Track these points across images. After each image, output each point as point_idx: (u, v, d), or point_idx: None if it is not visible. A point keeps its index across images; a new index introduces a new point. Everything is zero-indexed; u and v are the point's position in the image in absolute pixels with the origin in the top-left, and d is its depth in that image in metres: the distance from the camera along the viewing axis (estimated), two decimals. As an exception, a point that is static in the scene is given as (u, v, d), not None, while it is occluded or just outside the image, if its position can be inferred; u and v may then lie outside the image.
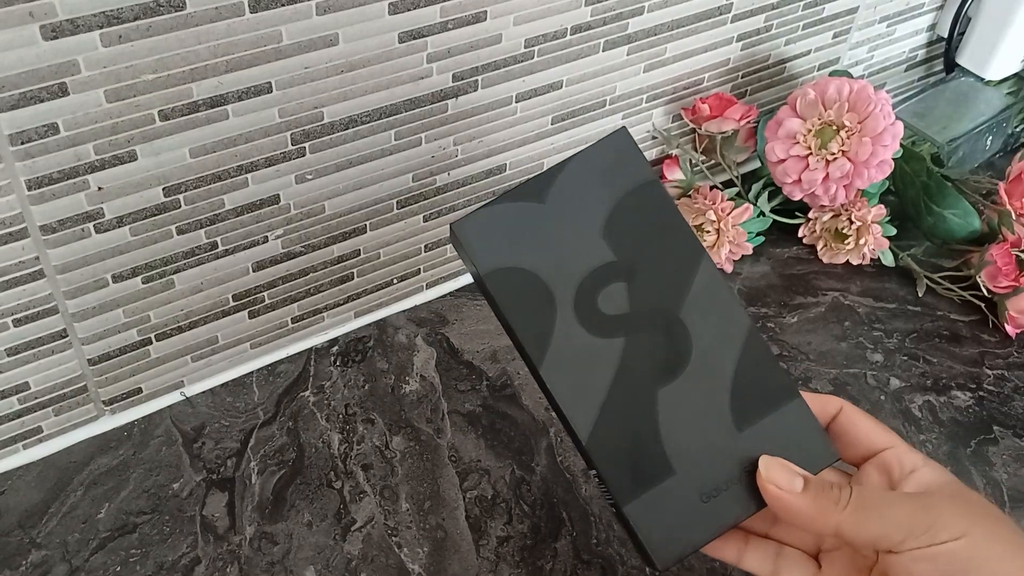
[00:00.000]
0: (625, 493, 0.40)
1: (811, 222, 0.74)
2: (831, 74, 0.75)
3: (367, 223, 0.62)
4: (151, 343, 0.58)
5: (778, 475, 0.38)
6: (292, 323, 0.64)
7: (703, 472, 0.40)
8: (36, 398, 0.56)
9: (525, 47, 0.60)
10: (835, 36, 0.79)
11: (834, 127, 0.67)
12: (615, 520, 0.41)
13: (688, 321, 0.41)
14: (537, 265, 0.40)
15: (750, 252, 0.73)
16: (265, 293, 0.61)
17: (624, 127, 0.42)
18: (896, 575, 0.37)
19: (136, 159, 0.50)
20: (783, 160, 0.69)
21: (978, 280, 0.70)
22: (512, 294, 0.40)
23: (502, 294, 0.40)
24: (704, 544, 0.40)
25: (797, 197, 0.70)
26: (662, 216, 0.41)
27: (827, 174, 0.68)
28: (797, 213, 0.75)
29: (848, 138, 0.67)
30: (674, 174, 0.75)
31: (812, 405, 0.41)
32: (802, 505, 0.37)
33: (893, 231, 0.73)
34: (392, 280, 0.67)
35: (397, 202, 0.63)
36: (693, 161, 0.75)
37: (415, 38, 0.55)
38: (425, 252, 0.67)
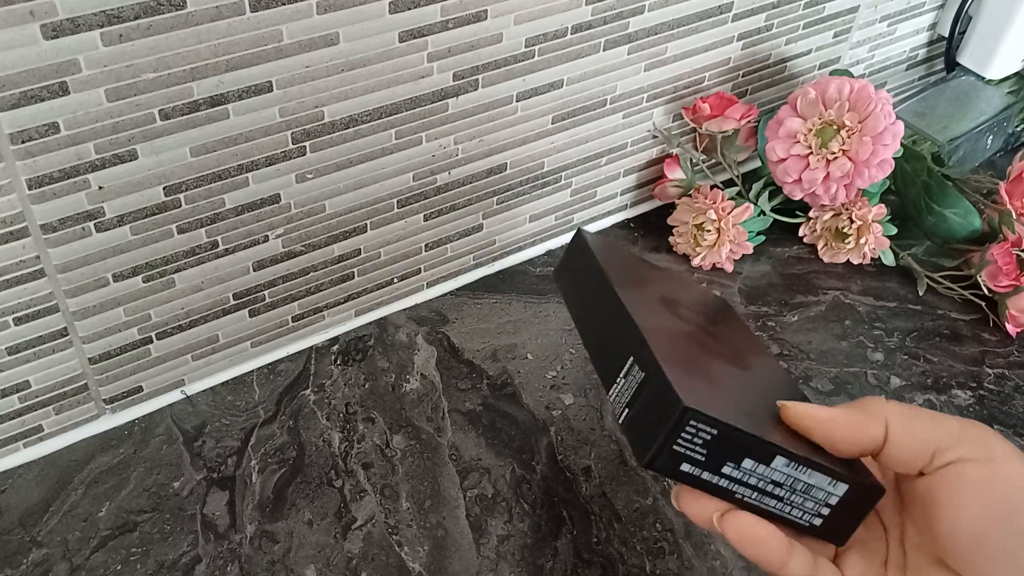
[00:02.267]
0: (665, 356, 0.38)
1: (812, 221, 0.74)
2: (832, 73, 0.75)
3: (367, 222, 0.62)
4: (152, 342, 0.58)
5: (803, 406, 0.38)
6: (293, 322, 0.64)
7: (748, 400, 0.39)
8: (37, 397, 0.56)
9: (526, 46, 0.60)
10: (836, 35, 0.79)
11: (835, 126, 0.67)
12: (624, 423, 0.38)
13: (752, 362, 0.45)
14: (636, 273, 0.50)
15: (750, 251, 0.73)
16: (266, 292, 0.61)
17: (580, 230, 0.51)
18: (934, 501, 0.35)
19: (137, 158, 0.50)
20: (784, 159, 0.69)
21: (979, 279, 0.70)
22: (619, 269, 0.48)
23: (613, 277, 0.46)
24: (736, 425, 0.36)
25: (797, 196, 0.70)
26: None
27: (828, 173, 0.68)
28: (798, 212, 0.75)
29: (849, 137, 0.67)
30: (675, 173, 0.75)
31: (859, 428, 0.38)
32: (844, 414, 0.37)
33: (894, 230, 0.73)
34: (392, 279, 0.67)
35: (397, 201, 0.63)
36: (694, 160, 0.75)
37: (415, 37, 0.55)
38: (425, 251, 0.67)
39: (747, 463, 0.37)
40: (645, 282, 0.48)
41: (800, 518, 0.38)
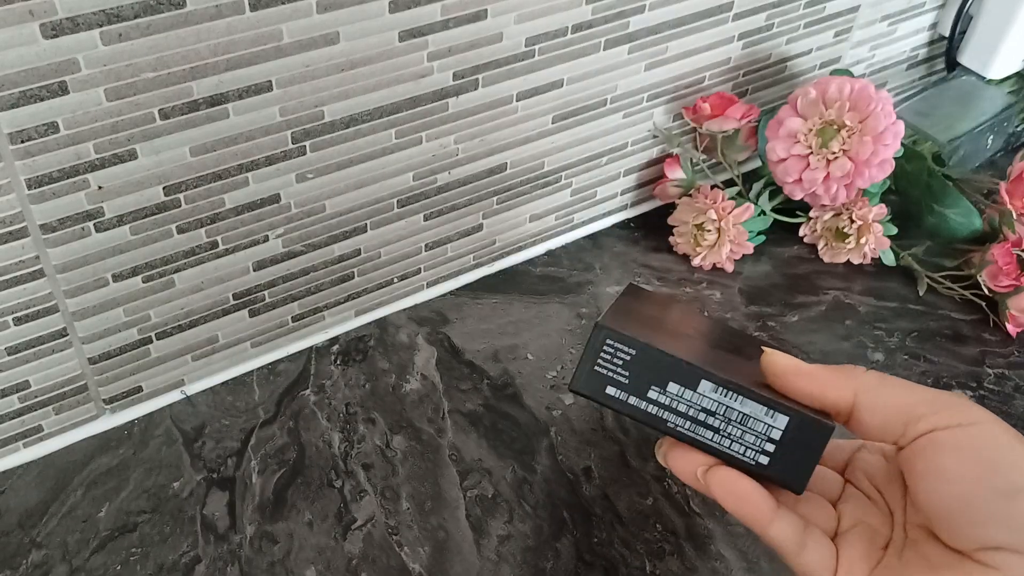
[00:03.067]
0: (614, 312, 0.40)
1: (812, 221, 0.74)
2: (832, 73, 0.75)
3: (368, 222, 0.62)
4: (151, 342, 0.58)
5: (784, 356, 0.38)
6: (293, 322, 0.64)
7: (694, 345, 0.40)
8: (36, 397, 0.56)
9: (526, 45, 0.60)
10: (836, 35, 0.79)
11: (835, 126, 0.67)
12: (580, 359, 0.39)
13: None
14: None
15: (751, 251, 0.73)
16: (266, 292, 0.61)
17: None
18: (914, 470, 0.35)
19: (136, 158, 0.50)
20: (784, 159, 0.69)
21: (979, 279, 0.70)
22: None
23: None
24: (652, 344, 0.37)
25: (798, 196, 0.70)
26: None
27: (828, 173, 0.68)
28: (798, 212, 0.75)
29: (849, 137, 0.67)
30: (675, 173, 0.74)
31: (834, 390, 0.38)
32: (817, 368, 0.37)
33: (894, 230, 0.73)
34: (393, 279, 0.67)
35: (398, 201, 0.62)
36: (694, 160, 0.75)
37: (416, 36, 0.55)
38: (426, 251, 0.67)
39: (672, 387, 0.37)
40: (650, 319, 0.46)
41: (743, 454, 0.37)
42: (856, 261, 0.74)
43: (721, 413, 0.37)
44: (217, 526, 0.54)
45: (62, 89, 0.45)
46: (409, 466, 0.58)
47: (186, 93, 0.49)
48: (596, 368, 0.37)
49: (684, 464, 0.38)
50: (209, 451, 0.58)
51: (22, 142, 0.46)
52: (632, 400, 0.37)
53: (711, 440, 0.38)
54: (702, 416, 0.37)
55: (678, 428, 0.38)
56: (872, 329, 0.69)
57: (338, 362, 0.64)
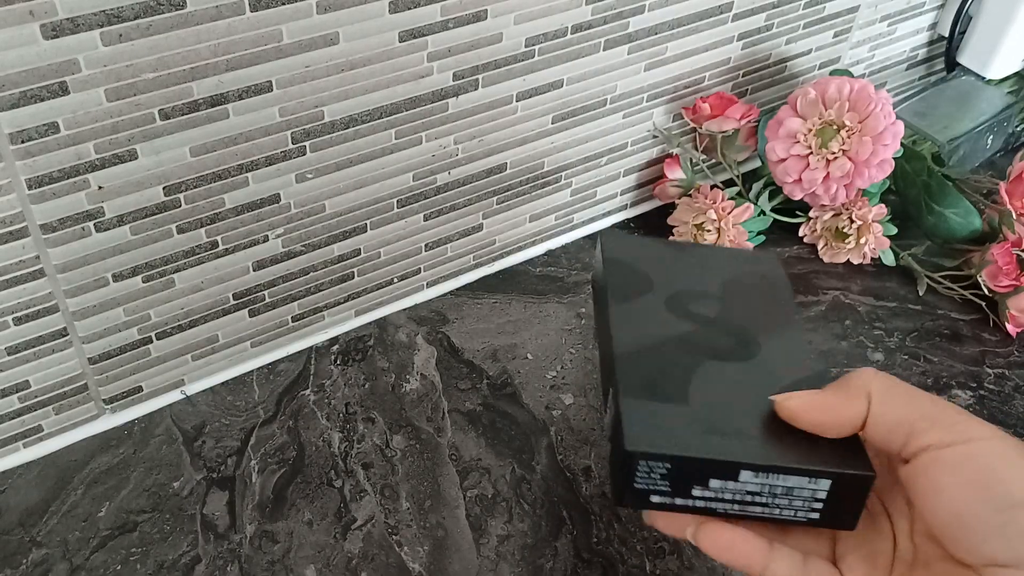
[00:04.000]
0: (631, 391, 0.39)
1: (812, 221, 0.74)
2: (832, 73, 0.75)
3: (367, 222, 0.62)
4: (151, 342, 0.58)
5: (796, 396, 0.38)
6: (292, 322, 0.64)
7: (719, 413, 0.38)
8: (36, 397, 0.56)
9: (526, 46, 0.60)
10: (836, 35, 0.79)
11: (835, 126, 0.67)
12: (608, 440, 0.40)
13: (763, 343, 0.43)
14: (651, 269, 0.47)
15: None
16: (265, 292, 0.61)
17: (774, 258, 0.50)
18: (915, 487, 0.35)
19: (136, 158, 0.50)
20: (784, 159, 0.69)
21: (979, 279, 0.70)
22: (617, 277, 0.46)
23: (610, 278, 0.46)
24: (684, 455, 0.37)
25: (798, 196, 0.70)
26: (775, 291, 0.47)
27: (828, 173, 0.68)
28: (798, 212, 0.75)
29: (849, 137, 0.67)
30: (675, 173, 0.75)
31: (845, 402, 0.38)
32: (827, 396, 0.36)
33: (894, 230, 0.73)
34: (392, 279, 0.67)
35: (397, 201, 0.63)
36: (694, 160, 0.75)
37: (415, 37, 0.55)
38: (425, 251, 0.67)
39: (714, 483, 0.37)
40: (657, 282, 0.46)
41: (795, 516, 0.38)
42: (856, 261, 0.74)
43: (766, 492, 0.37)
44: (217, 525, 0.54)
45: (62, 89, 0.46)
46: (408, 465, 0.58)
47: (186, 93, 0.49)
48: (636, 485, 0.37)
49: (674, 528, 0.39)
50: (209, 450, 0.58)
51: (22, 142, 0.46)
52: (679, 501, 0.38)
53: (761, 514, 0.38)
54: (748, 498, 0.37)
55: (728, 512, 0.38)
56: (872, 329, 0.69)
57: (338, 362, 0.64)
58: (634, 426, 0.37)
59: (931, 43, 0.88)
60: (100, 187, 0.50)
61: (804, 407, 0.37)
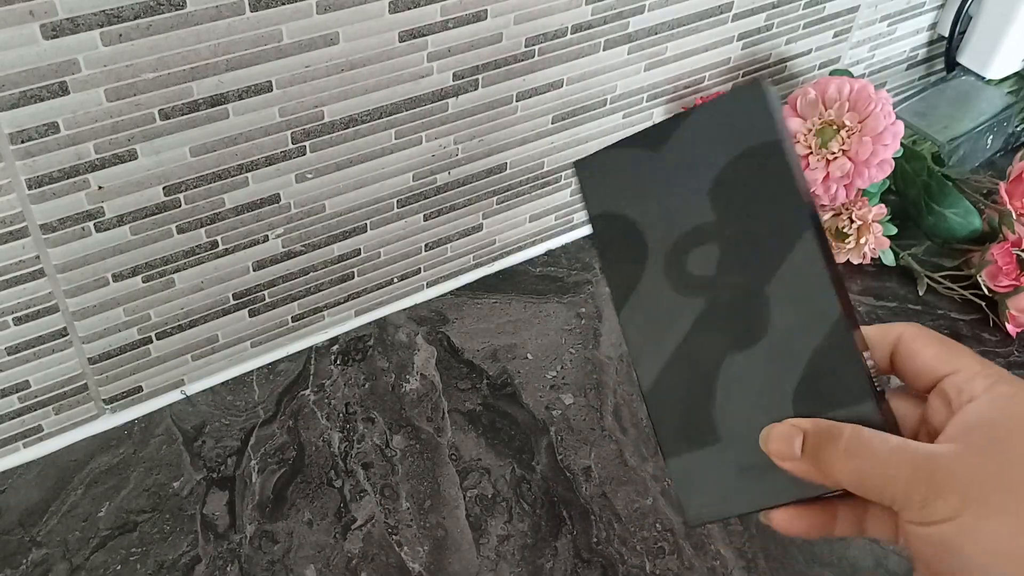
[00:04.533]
0: (670, 447, 0.40)
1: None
2: (832, 73, 0.75)
3: (367, 222, 0.62)
4: (151, 342, 0.58)
5: (778, 442, 0.37)
6: (292, 322, 0.64)
7: (747, 447, 0.38)
8: (36, 397, 0.56)
9: (525, 46, 0.60)
10: (836, 35, 0.79)
11: (835, 126, 0.67)
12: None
13: (772, 296, 0.39)
14: (640, 214, 0.40)
15: (751, 251, 0.73)
16: (265, 292, 0.61)
17: (759, 80, 0.38)
18: (906, 541, 0.35)
19: (136, 158, 0.50)
20: (784, 159, 0.69)
21: (979, 279, 0.70)
22: (611, 240, 0.41)
23: (603, 238, 0.41)
24: (732, 515, 0.39)
25: (798, 196, 0.70)
26: (779, 180, 0.38)
27: (828, 173, 0.68)
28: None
29: (849, 137, 0.67)
30: (675, 173, 0.74)
31: (872, 337, 0.38)
32: (805, 469, 0.36)
33: (894, 230, 0.73)
34: (392, 279, 0.67)
35: (397, 201, 0.63)
36: (694, 160, 0.75)
37: (415, 37, 0.55)
38: (425, 251, 0.67)
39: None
40: (649, 237, 0.41)
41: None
42: (856, 261, 0.74)
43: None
44: (217, 525, 0.54)
45: (62, 89, 0.46)
46: (408, 465, 0.58)
47: (186, 93, 0.49)
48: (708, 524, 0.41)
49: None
50: (209, 450, 0.58)
51: (22, 142, 0.46)
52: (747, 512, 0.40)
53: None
54: None
55: None
56: (871, 329, 0.69)
57: (338, 362, 0.64)
58: (689, 497, 0.40)
59: (931, 43, 0.88)
60: (100, 187, 0.50)
61: (797, 471, 0.37)
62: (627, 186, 0.40)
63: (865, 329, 0.39)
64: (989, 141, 0.83)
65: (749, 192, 0.39)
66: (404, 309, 0.68)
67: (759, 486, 0.38)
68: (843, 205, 0.72)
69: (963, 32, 0.84)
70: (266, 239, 0.58)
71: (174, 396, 0.61)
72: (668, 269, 0.40)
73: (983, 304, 0.70)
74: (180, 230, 0.54)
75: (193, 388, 0.62)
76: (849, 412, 0.38)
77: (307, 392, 0.62)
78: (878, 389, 0.37)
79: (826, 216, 0.73)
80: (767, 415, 0.38)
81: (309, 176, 0.57)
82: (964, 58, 0.85)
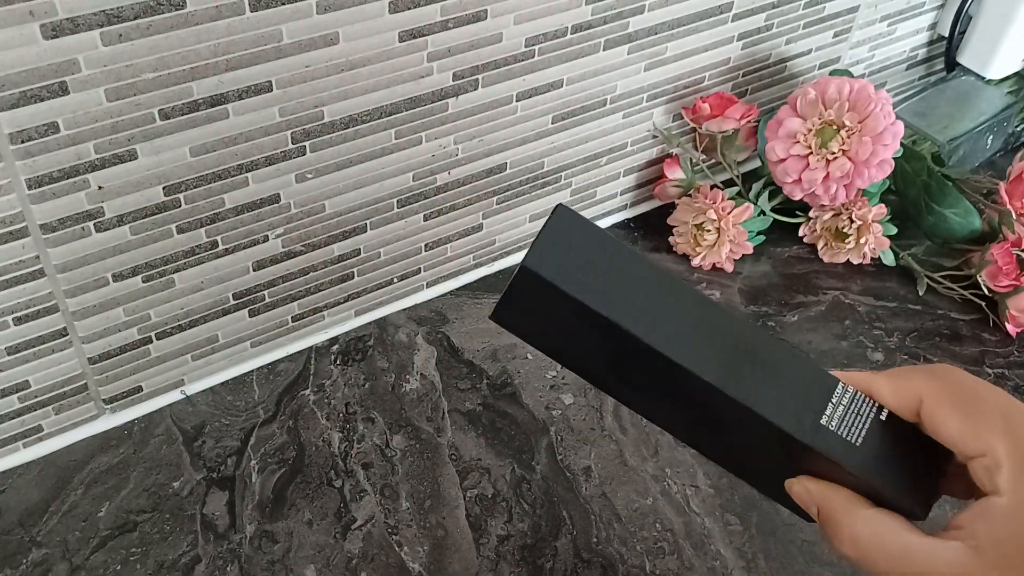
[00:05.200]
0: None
1: (812, 221, 0.74)
2: (832, 73, 0.75)
3: (367, 222, 0.62)
4: (151, 342, 0.58)
5: (797, 498, 0.38)
6: (292, 322, 0.64)
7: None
8: (36, 396, 0.56)
9: (526, 46, 0.60)
10: (836, 35, 0.79)
11: (835, 126, 0.67)
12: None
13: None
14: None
15: (751, 251, 0.73)
16: (265, 292, 0.61)
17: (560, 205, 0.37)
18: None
19: (136, 158, 0.50)
20: (783, 159, 0.69)
21: (979, 279, 0.70)
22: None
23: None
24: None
25: (797, 196, 0.70)
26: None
27: (828, 173, 0.68)
28: (798, 212, 0.75)
29: (848, 137, 0.67)
30: (675, 173, 0.75)
31: (891, 397, 0.36)
32: (820, 528, 0.37)
33: (894, 230, 0.73)
34: (392, 279, 0.67)
35: (397, 201, 0.63)
36: (694, 160, 0.75)
37: (415, 37, 0.55)
38: (425, 251, 0.67)
39: None
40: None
41: None
42: (856, 261, 0.74)
43: None
44: (217, 525, 0.54)
45: (62, 89, 0.46)
46: (408, 465, 0.58)
47: (186, 93, 0.49)
48: None
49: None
50: (209, 450, 0.58)
51: (22, 142, 0.46)
52: None
53: None
54: None
55: None
56: (871, 329, 0.69)
57: (338, 362, 0.64)
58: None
59: (931, 43, 0.88)
60: (100, 187, 0.50)
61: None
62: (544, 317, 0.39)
63: (880, 380, 0.37)
64: (989, 141, 0.83)
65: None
66: (404, 309, 0.68)
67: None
68: (843, 205, 0.72)
69: (963, 32, 0.84)
70: (266, 239, 0.58)
71: (174, 396, 0.61)
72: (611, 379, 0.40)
73: (983, 304, 0.70)
74: (180, 230, 0.54)
75: (193, 388, 0.62)
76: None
77: (307, 392, 0.62)
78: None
79: (826, 216, 0.73)
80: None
81: (309, 176, 0.57)
82: (964, 58, 0.85)
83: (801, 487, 0.37)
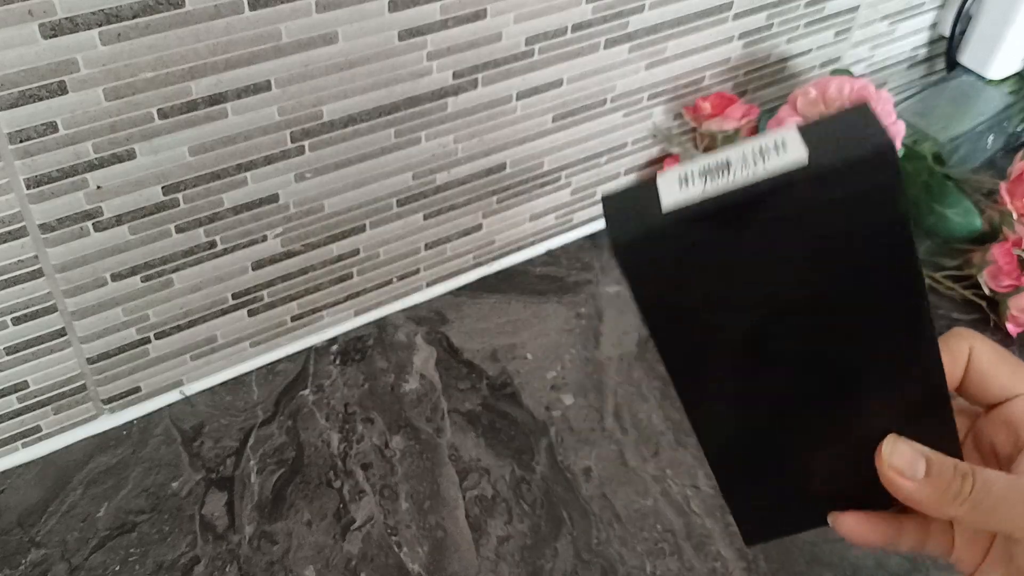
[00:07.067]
0: (726, 482, 0.36)
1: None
2: (832, 73, 0.75)
3: (366, 222, 0.62)
4: (150, 342, 0.58)
5: (901, 459, 0.36)
6: (291, 322, 0.64)
7: (815, 479, 0.37)
8: (35, 397, 0.56)
9: (525, 45, 0.60)
10: (836, 34, 0.79)
11: (835, 126, 0.67)
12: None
13: (867, 354, 0.33)
14: (705, 299, 0.32)
15: (751, 251, 0.73)
16: (264, 292, 0.61)
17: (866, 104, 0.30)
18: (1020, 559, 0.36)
19: (135, 157, 0.50)
20: (784, 159, 0.69)
21: (979, 279, 0.70)
22: (671, 331, 0.33)
23: (661, 330, 0.32)
24: (791, 534, 0.37)
25: (798, 196, 0.70)
26: (893, 239, 0.30)
27: (828, 173, 0.67)
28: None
29: (849, 137, 0.66)
30: (675, 173, 0.74)
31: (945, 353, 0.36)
32: (921, 495, 0.36)
33: (894, 230, 0.72)
34: (392, 279, 0.67)
35: (397, 200, 0.62)
36: (694, 160, 0.74)
37: (415, 36, 0.55)
38: (425, 251, 0.67)
39: None
40: (714, 311, 0.32)
41: None
42: (856, 261, 0.74)
43: None
44: (216, 525, 0.54)
45: (61, 89, 0.45)
46: (408, 466, 0.58)
47: (185, 93, 0.49)
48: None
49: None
50: (208, 451, 0.58)
51: (21, 142, 0.46)
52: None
53: None
54: None
55: None
56: (872, 329, 0.68)
57: (337, 362, 0.64)
58: (745, 520, 0.38)
59: (931, 43, 0.88)
60: (99, 187, 0.50)
61: (909, 494, 0.36)
62: (688, 268, 0.30)
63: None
64: (989, 141, 0.83)
65: (855, 258, 0.31)
66: (403, 309, 0.68)
67: (818, 507, 0.37)
68: (843, 205, 0.72)
69: (963, 32, 0.84)
70: (265, 239, 0.58)
71: (173, 396, 0.61)
72: (746, 346, 0.33)
73: (983, 304, 0.70)
74: (179, 230, 0.54)
75: (192, 388, 0.62)
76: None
77: (306, 392, 0.62)
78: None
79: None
80: (850, 453, 0.36)
81: (308, 175, 0.57)
82: (964, 58, 0.85)
83: (908, 443, 0.36)
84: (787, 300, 0.31)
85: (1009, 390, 0.38)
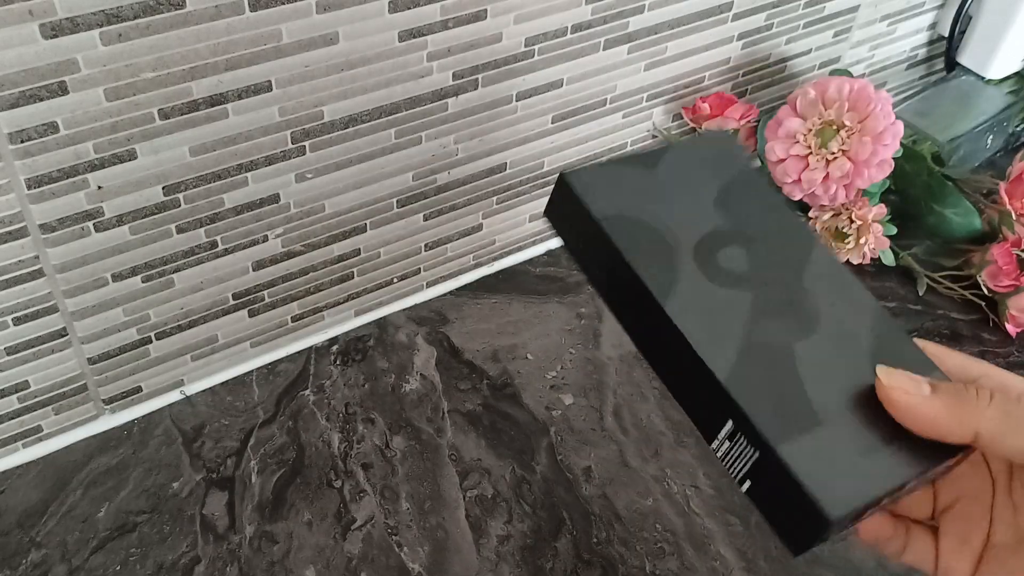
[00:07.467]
0: (777, 435, 0.35)
1: (811, 221, 0.74)
2: (832, 73, 0.75)
3: (367, 222, 0.62)
4: (151, 342, 0.58)
5: (900, 378, 0.34)
6: (292, 322, 0.64)
7: (854, 428, 0.36)
8: (36, 397, 0.56)
9: (525, 46, 0.60)
10: (836, 35, 0.79)
11: (834, 126, 0.67)
12: (749, 493, 0.37)
13: (811, 289, 0.40)
14: (652, 218, 0.40)
15: (751, 251, 0.73)
16: (265, 292, 0.61)
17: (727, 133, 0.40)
18: None
19: (136, 158, 0.50)
20: (783, 159, 0.69)
21: (979, 279, 0.70)
22: (630, 239, 0.39)
23: (620, 238, 0.39)
24: (879, 497, 0.35)
25: (797, 197, 0.70)
26: (769, 203, 0.42)
27: (827, 174, 0.68)
28: (797, 212, 0.75)
29: (848, 137, 0.67)
30: (674, 173, 0.74)
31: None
32: (935, 409, 0.33)
33: (894, 230, 0.73)
34: (392, 279, 0.67)
35: (397, 201, 0.63)
36: (694, 160, 0.74)
37: (415, 36, 0.55)
38: (425, 251, 0.67)
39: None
40: (665, 233, 0.40)
41: None
42: (856, 261, 0.74)
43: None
44: (216, 526, 0.54)
45: (62, 89, 0.45)
46: (408, 466, 0.58)
47: (186, 93, 0.49)
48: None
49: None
50: (208, 451, 0.58)
51: (22, 142, 0.46)
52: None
53: None
54: None
55: None
56: (871, 329, 0.69)
57: (337, 362, 0.64)
58: (819, 483, 0.35)
59: (931, 43, 0.88)
60: (99, 187, 0.50)
61: (904, 407, 0.35)
62: (629, 195, 0.41)
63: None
64: (989, 141, 0.83)
65: (750, 208, 0.41)
66: (404, 309, 0.68)
67: (884, 465, 0.35)
68: (843, 205, 0.72)
69: (963, 32, 0.84)
70: (266, 239, 0.58)
71: (173, 396, 0.61)
72: (701, 265, 0.39)
73: (983, 304, 0.70)
74: (179, 230, 0.54)
75: (192, 388, 0.62)
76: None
77: (307, 392, 0.62)
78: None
79: (826, 216, 0.73)
80: (857, 397, 0.36)
81: (309, 176, 0.57)
82: (964, 58, 0.85)
83: (900, 371, 0.35)
84: (714, 228, 0.40)
85: (968, 370, 0.37)
